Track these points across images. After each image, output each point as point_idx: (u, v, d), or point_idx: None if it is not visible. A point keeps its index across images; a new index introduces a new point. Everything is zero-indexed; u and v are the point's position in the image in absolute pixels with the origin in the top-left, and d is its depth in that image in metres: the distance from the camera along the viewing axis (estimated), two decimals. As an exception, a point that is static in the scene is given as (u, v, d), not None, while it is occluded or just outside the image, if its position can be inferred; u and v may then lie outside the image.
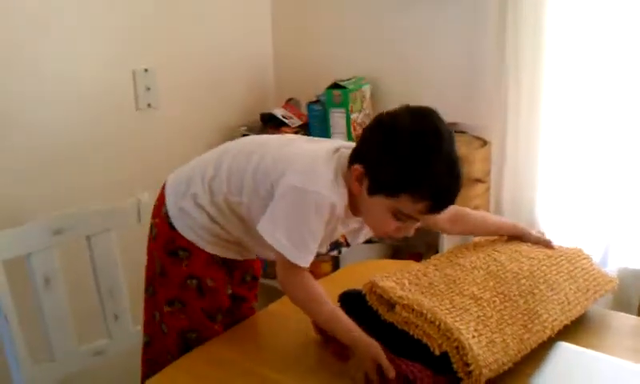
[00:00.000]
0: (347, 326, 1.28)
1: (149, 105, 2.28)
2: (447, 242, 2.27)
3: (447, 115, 2.31)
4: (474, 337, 1.20)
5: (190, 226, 1.47)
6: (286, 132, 2.44)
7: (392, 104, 2.41)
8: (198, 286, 1.49)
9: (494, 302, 1.30)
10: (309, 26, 2.70)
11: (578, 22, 2.11)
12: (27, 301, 1.62)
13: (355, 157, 1.33)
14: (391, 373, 1.20)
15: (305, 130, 2.45)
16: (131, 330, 1.78)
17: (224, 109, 2.60)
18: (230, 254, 1.52)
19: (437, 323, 1.21)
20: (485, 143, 2.28)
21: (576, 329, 1.43)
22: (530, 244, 1.55)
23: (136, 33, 2.22)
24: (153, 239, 1.54)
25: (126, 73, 2.22)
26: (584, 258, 1.53)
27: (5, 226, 1.59)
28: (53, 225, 1.64)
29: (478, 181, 2.22)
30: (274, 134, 2.44)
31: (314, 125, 2.40)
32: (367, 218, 1.39)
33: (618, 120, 2.10)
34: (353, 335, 1.27)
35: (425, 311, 1.23)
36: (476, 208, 2.24)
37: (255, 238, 1.42)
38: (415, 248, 2.48)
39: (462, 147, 2.21)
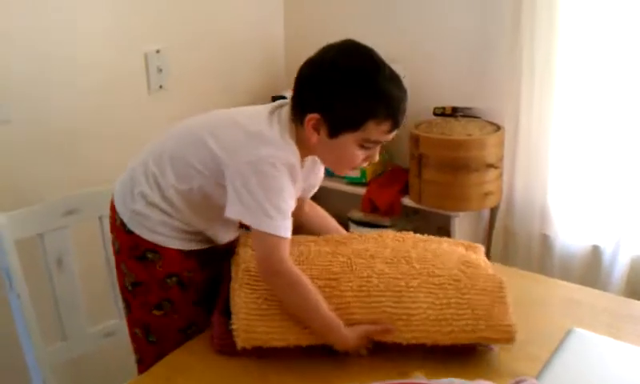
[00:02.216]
0: (326, 321, 1.29)
1: (160, 86, 2.27)
2: (458, 225, 2.27)
3: (461, 99, 2.35)
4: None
5: (148, 227, 1.42)
6: (298, 115, 2.43)
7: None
8: (178, 282, 1.45)
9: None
10: (321, 9, 2.68)
11: (593, 6, 2.09)
12: (39, 280, 1.62)
13: (302, 109, 1.33)
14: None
15: (316, 113, 2.43)
16: (142, 311, 1.78)
17: (235, 91, 2.59)
18: (194, 245, 1.46)
19: None
20: (498, 128, 2.27)
21: (590, 316, 1.42)
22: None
23: (148, 14, 2.21)
24: (117, 253, 1.49)
25: (138, 54, 2.21)
26: (497, 291, 1.32)
27: (18, 206, 1.59)
28: (65, 205, 1.64)
29: (491, 166, 2.21)
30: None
31: (326, 108, 2.39)
32: (332, 160, 1.40)
33: (632, 107, 2.08)
34: (329, 334, 1.30)
35: None
36: (489, 194, 2.23)
37: (213, 221, 1.42)
38: (425, 232, 2.47)
39: (475, 131, 2.20)
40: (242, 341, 1.30)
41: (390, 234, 1.50)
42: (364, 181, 2.38)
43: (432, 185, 2.21)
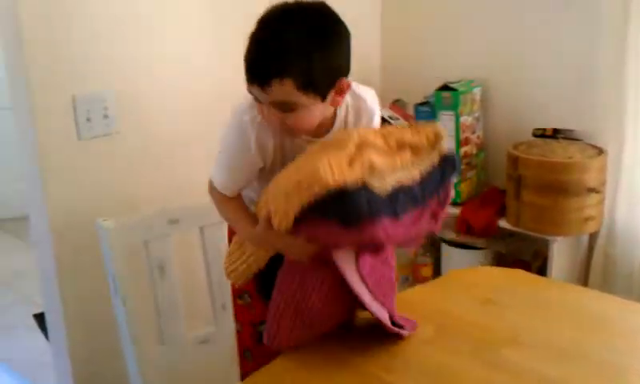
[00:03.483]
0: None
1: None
2: (557, 250, 2.20)
3: (562, 121, 2.28)
4: None
5: None
6: (393, 133, 2.43)
7: (502, 107, 2.42)
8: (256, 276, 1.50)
9: None
10: (418, 26, 2.67)
11: None
12: (139, 285, 1.68)
13: None
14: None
15: (412, 131, 2.42)
16: (237, 321, 1.82)
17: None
18: None
19: None
20: (601, 152, 2.19)
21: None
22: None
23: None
24: None
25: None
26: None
27: (124, 213, 1.66)
28: (169, 214, 1.69)
29: (592, 190, 2.13)
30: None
31: (422, 126, 2.37)
32: None
33: None
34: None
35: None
36: (589, 219, 2.15)
37: None
38: (520, 255, 2.42)
39: (576, 154, 2.14)
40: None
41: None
42: (458, 201, 2.35)
43: (530, 207, 2.16)
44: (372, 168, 1.19)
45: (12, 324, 3.29)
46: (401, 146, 1.26)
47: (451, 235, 2.42)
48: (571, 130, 2.27)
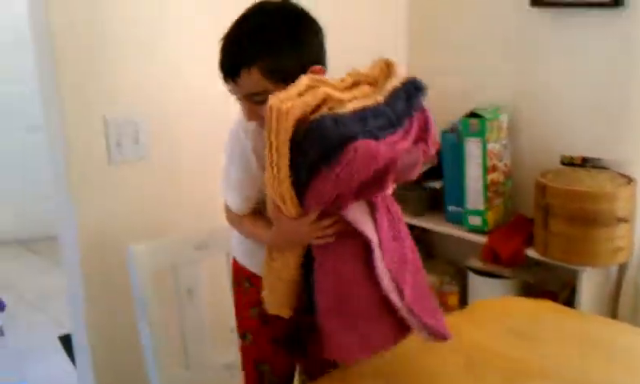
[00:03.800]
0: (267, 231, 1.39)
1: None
2: (586, 280, 2.17)
3: (590, 149, 2.26)
4: None
5: (244, 250, 1.56)
6: (419, 160, 2.42)
7: (530, 135, 2.41)
8: (259, 314, 1.52)
9: None
10: (444, 52, 2.67)
11: None
12: (166, 310, 1.69)
13: None
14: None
15: (437, 158, 2.42)
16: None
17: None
18: None
19: None
20: (630, 180, 2.16)
21: None
22: None
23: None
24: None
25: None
26: None
27: (152, 237, 1.67)
28: (197, 239, 1.71)
29: (622, 220, 2.10)
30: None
31: (448, 153, 2.37)
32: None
33: None
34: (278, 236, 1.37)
35: None
36: (619, 249, 2.13)
37: None
38: (548, 286, 2.39)
39: (605, 184, 2.12)
40: None
41: None
42: (485, 229, 2.33)
43: (559, 237, 2.13)
44: (327, 97, 1.22)
45: (38, 345, 3.31)
46: (357, 83, 1.31)
47: (478, 264, 2.40)
48: (600, 159, 2.25)
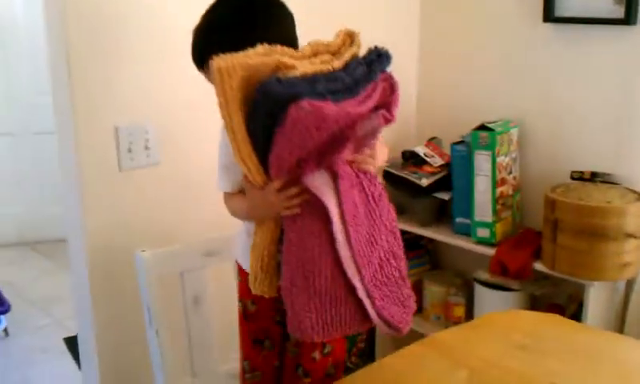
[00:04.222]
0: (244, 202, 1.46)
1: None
2: (593, 294, 2.16)
3: (600, 164, 2.26)
4: None
5: (240, 247, 1.60)
6: (428, 171, 2.42)
7: (540, 148, 2.41)
8: (242, 310, 1.62)
9: None
10: (455, 65, 2.67)
11: None
12: (173, 317, 1.69)
13: None
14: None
15: (447, 169, 2.42)
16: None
17: (366, 143, 2.62)
18: None
19: None
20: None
21: None
22: None
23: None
24: None
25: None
26: None
27: (162, 244, 1.68)
28: (205, 246, 1.71)
29: (631, 236, 2.10)
30: (414, 171, 2.44)
31: (457, 165, 2.37)
32: None
33: None
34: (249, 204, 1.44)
35: None
36: (627, 265, 2.12)
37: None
38: (555, 299, 2.38)
39: (615, 199, 2.11)
40: None
41: None
42: (493, 241, 2.32)
43: (567, 251, 2.13)
44: (280, 64, 1.25)
45: (43, 347, 3.32)
46: (316, 53, 1.33)
47: (485, 276, 2.39)
48: (609, 174, 2.24)
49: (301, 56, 1.31)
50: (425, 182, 2.39)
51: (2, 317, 3.07)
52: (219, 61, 1.24)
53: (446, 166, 2.44)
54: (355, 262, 1.37)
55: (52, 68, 1.92)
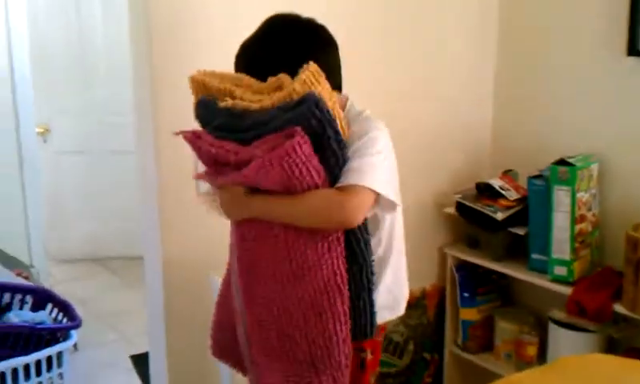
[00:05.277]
0: None
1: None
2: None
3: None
4: None
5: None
6: (503, 204, 2.37)
7: (621, 184, 2.33)
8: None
9: None
10: (533, 95, 2.62)
11: None
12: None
13: None
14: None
15: (523, 203, 2.36)
16: None
17: (438, 173, 2.59)
18: None
19: None
20: None
21: None
22: None
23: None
24: None
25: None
26: None
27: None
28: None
29: None
30: (488, 203, 2.39)
31: (534, 200, 2.31)
32: None
33: None
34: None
35: None
36: None
37: None
38: (634, 342, 2.28)
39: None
40: None
41: None
42: (571, 280, 2.25)
43: (650, 294, 2.04)
44: (230, 92, 1.41)
45: (109, 362, 3.37)
46: (279, 87, 1.39)
47: (560, 315, 2.32)
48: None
49: (264, 86, 1.41)
50: (500, 216, 2.34)
51: (74, 332, 3.12)
52: (196, 74, 1.49)
53: (522, 200, 2.39)
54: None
55: (136, 89, 1.97)
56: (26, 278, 3.70)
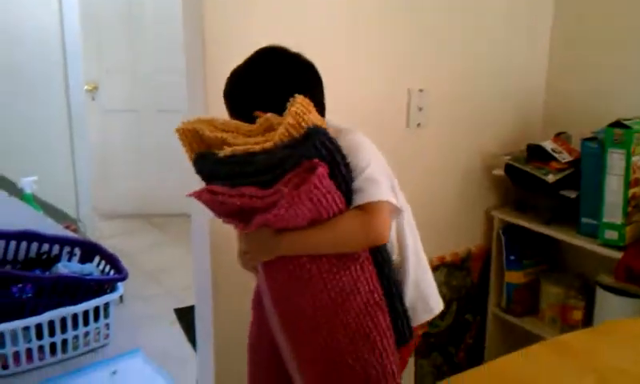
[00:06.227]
0: None
1: (418, 124, 2.30)
2: None
3: None
4: None
5: None
6: (554, 167, 2.32)
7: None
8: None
9: None
10: (587, 59, 2.54)
11: None
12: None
13: None
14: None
15: (576, 166, 2.31)
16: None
17: (489, 135, 2.54)
18: None
19: None
20: None
21: None
22: None
23: (411, 56, 2.25)
24: None
25: (402, 92, 2.26)
26: None
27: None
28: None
29: None
30: (539, 166, 2.35)
31: (587, 162, 2.25)
32: None
33: None
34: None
35: None
36: None
37: None
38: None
39: None
40: None
41: None
42: (621, 244, 2.20)
43: None
44: (223, 141, 1.39)
45: (154, 315, 3.45)
46: (269, 128, 1.38)
47: (609, 280, 2.27)
48: None
49: (247, 131, 1.41)
50: (551, 178, 2.29)
51: (120, 284, 3.20)
52: (184, 124, 1.47)
53: (574, 163, 2.33)
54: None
55: (187, 49, 1.97)
56: (74, 231, 3.81)
